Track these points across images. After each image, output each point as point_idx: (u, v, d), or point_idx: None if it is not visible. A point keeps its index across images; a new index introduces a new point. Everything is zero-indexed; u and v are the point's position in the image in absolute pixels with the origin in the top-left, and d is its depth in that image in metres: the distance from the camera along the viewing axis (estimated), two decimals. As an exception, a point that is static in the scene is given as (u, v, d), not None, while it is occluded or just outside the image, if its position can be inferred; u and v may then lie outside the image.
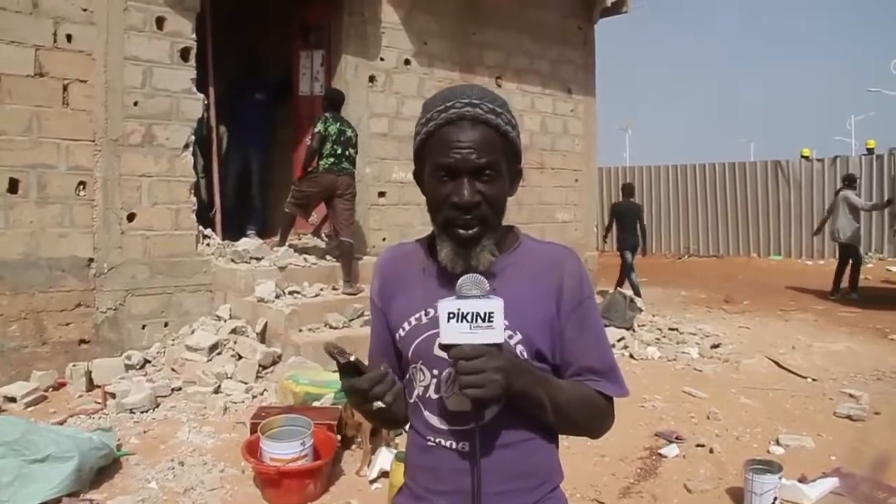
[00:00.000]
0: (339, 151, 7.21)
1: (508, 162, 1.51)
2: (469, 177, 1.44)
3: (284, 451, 4.13)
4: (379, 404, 1.41)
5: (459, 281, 1.39)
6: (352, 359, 1.42)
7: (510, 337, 1.47)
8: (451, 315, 1.35)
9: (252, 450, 4.26)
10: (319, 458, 4.27)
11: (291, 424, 4.38)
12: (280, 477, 4.09)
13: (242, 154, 8.80)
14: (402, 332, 1.57)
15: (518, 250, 1.57)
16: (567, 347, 1.53)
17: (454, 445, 1.49)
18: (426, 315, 1.53)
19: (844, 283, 11.65)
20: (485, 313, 1.35)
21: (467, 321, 1.35)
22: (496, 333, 1.35)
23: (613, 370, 1.56)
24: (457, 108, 1.46)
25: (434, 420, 1.52)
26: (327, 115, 7.28)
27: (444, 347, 1.39)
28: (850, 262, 11.57)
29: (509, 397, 1.41)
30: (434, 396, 1.52)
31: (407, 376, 1.60)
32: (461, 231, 1.46)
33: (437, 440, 1.52)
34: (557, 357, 1.53)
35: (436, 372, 1.52)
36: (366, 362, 1.50)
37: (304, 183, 7.37)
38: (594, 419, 1.56)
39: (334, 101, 7.46)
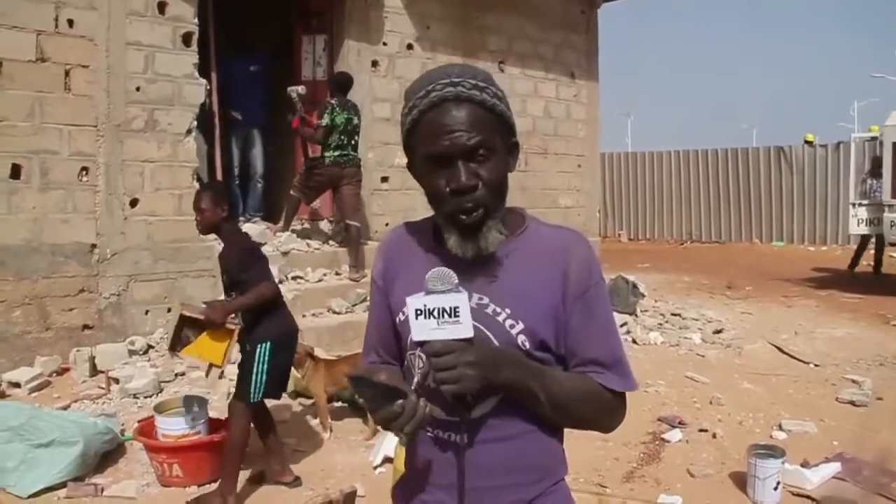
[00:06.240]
0: (345, 142, 7.12)
1: (502, 137, 1.44)
2: (462, 160, 1.38)
3: (174, 428, 4.17)
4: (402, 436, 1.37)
5: (427, 276, 1.35)
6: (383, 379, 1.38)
7: (511, 327, 1.42)
8: (419, 311, 1.34)
9: (147, 431, 4.27)
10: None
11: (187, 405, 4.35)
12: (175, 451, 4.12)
13: (244, 134, 8.50)
14: (402, 316, 1.49)
15: (523, 235, 1.49)
16: (571, 337, 1.45)
17: (452, 437, 1.44)
18: None
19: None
20: (450, 308, 1.33)
21: (434, 317, 1.33)
22: (464, 328, 1.33)
23: (620, 362, 1.48)
24: (437, 91, 1.39)
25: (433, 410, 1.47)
26: (333, 102, 7.11)
27: (418, 344, 1.36)
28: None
29: (496, 390, 1.37)
30: (433, 385, 1.44)
31: (406, 363, 1.54)
32: (463, 217, 1.39)
33: (436, 432, 1.47)
34: (562, 347, 1.46)
35: None
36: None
37: (309, 175, 7.31)
38: (599, 414, 1.49)
39: (341, 84, 7.31)
